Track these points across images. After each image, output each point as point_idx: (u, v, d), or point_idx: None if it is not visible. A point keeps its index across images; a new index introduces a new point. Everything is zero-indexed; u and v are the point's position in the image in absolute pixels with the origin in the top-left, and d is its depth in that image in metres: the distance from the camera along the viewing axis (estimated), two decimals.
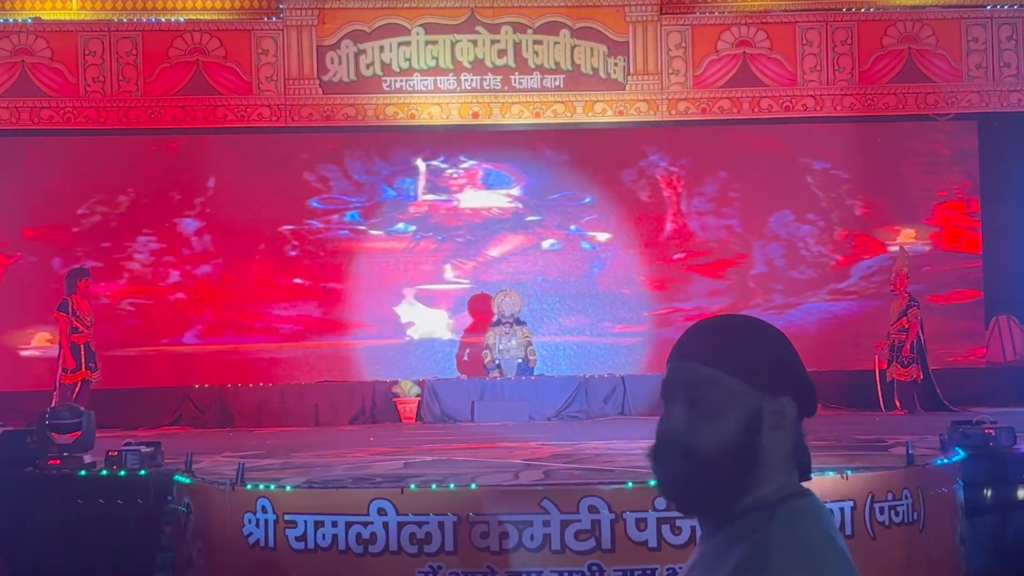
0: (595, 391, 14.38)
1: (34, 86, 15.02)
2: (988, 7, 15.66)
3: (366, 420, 14.42)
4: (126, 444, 8.45)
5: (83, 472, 8.32)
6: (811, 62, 15.54)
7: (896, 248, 15.16)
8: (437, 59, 15.35)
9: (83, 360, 13.00)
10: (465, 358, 15.37)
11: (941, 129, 15.73)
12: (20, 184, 15.04)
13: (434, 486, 6.80)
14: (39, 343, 14.62)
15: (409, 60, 15.33)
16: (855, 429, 11.27)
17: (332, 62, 15.31)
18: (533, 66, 15.42)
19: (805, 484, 1.99)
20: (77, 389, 12.87)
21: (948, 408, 13.51)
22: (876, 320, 14.73)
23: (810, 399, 1.99)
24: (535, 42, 15.41)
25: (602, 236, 15.75)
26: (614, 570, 6.44)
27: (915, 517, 7.08)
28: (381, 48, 15.33)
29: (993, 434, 8.40)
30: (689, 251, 15.69)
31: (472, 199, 15.72)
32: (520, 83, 15.42)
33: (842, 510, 6.75)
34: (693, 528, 6.34)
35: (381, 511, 6.57)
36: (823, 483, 6.79)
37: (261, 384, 14.89)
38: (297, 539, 6.72)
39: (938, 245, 15.73)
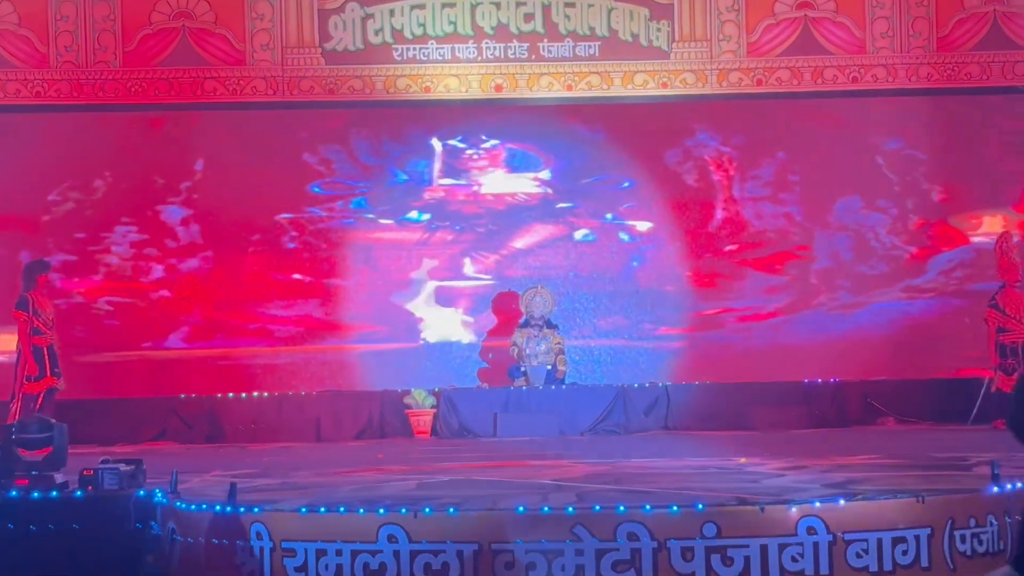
0: (634, 402, 14.39)
1: None
2: None
3: (374, 435, 14.48)
4: (103, 462, 8.47)
5: (54, 493, 8.36)
6: (882, 26, 15.49)
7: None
8: (455, 24, 15.37)
9: (47, 365, 13.00)
10: (487, 363, 15.38)
11: None
12: None
13: (451, 510, 6.82)
14: (6, 347, 14.69)
15: (423, 26, 15.36)
16: (933, 445, 11.25)
17: (336, 28, 15.35)
18: (564, 32, 15.42)
19: None
20: (40, 399, 12.83)
21: None
22: (956, 321, 14.66)
23: None
24: (567, 4, 15.41)
25: (642, 225, 15.75)
26: None
27: (1001, 546, 7.05)
28: (391, 12, 15.36)
29: None
30: (742, 243, 15.67)
31: (495, 184, 15.73)
32: (549, 51, 15.42)
33: (917, 538, 6.72)
34: (747, 558, 6.33)
35: (392, 538, 6.59)
36: (895, 507, 6.76)
37: (256, 394, 14.96)
38: (296, 569, 6.75)
39: None
